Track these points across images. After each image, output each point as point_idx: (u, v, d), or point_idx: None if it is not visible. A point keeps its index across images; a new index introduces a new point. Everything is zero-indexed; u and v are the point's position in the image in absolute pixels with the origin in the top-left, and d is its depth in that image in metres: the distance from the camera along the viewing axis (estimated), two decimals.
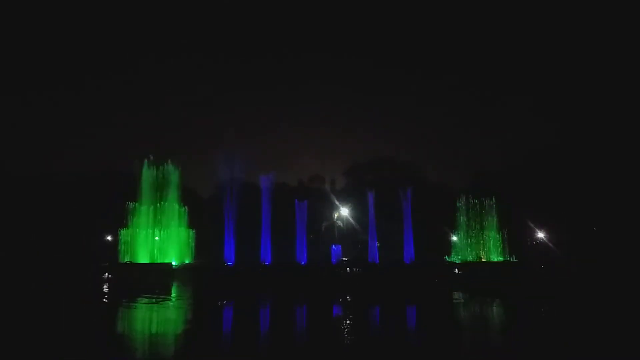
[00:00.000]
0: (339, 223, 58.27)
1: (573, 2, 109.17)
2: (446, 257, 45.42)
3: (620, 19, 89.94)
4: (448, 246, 47.83)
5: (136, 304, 22.25)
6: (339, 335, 14.04)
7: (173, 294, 27.95)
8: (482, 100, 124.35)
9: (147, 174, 38.83)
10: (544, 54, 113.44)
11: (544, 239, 55.68)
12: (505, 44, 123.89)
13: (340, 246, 47.07)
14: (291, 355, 11.48)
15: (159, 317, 18.71)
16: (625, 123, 62.80)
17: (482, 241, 42.90)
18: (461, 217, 44.24)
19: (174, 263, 36.19)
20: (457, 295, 27.67)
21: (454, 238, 47.09)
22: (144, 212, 37.63)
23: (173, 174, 39.77)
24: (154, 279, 32.74)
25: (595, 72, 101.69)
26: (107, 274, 35.93)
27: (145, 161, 39.04)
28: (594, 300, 22.92)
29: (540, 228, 55.77)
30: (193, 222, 41.24)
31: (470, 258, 42.42)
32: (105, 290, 29.73)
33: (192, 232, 40.16)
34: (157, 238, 37.26)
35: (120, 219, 37.97)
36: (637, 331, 14.33)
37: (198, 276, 35.56)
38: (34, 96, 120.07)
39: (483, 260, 42.05)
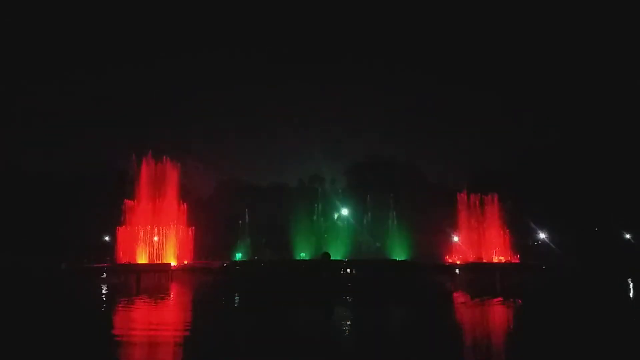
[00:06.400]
0: (339, 223, 58.04)
1: (575, 3, 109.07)
2: (447, 256, 45.15)
3: (620, 20, 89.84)
4: (449, 246, 47.56)
5: (135, 305, 22.03)
6: (340, 339, 13.81)
7: (172, 295, 27.75)
8: (484, 100, 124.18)
9: (146, 172, 38.41)
10: (545, 54, 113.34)
11: (546, 240, 55.49)
12: (507, 44, 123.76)
13: None
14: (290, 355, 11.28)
15: (157, 319, 18.48)
16: (625, 123, 62.72)
17: (483, 241, 42.60)
18: (462, 217, 43.91)
19: (173, 263, 35.87)
20: (458, 296, 27.48)
21: (455, 238, 46.83)
22: (142, 211, 37.24)
23: (171, 170, 39.37)
24: (153, 280, 32.49)
25: (595, 73, 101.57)
26: (105, 275, 35.66)
27: (144, 158, 38.61)
28: (595, 301, 22.71)
29: (542, 228, 55.58)
30: (192, 223, 40.91)
31: (471, 258, 42.12)
32: (104, 291, 29.50)
33: (191, 232, 39.78)
34: (155, 238, 36.90)
35: (118, 219, 37.61)
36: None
37: (197, 276, 35.32)
38: (33, 96, 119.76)
39: (484, 260, 41.75)
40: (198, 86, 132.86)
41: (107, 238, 52.51)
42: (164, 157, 39.74)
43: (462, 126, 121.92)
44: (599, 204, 53.29)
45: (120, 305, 22.19)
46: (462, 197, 44.03)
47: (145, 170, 38.40)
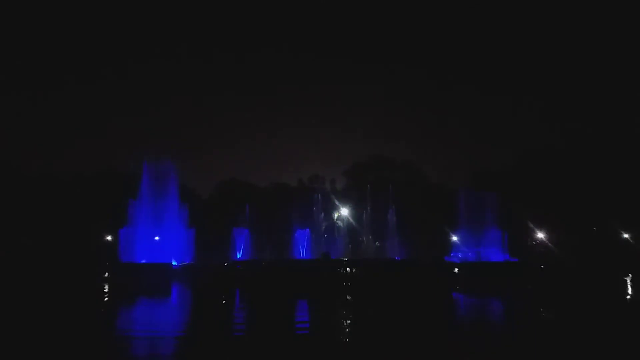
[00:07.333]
0: (339, 223, 58.20)
1: (575, 4, 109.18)
2: (446, 256, 45.28)
3: (621, 21, 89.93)
4: (448, 245, 47.72)
5: (136, 304, 22.19)
6: (340, 338, 13.95)
7: (173, 294, 27.93)
8: (483, 100, 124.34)
9: (147, 173, 38.59)
10: (546, 54, 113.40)
11: (544, 239, 55.64)
12: (507, 45, 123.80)
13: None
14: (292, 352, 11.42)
15: (159, 317, 18.63)
16: (625, 123, 62.84)
17: (482, 241, 42.75)
18: (461, 217, 44.05)
19: (174, 263, 36.08)
20: (457, 295, 27.64)
21: (454, 238, 46.98)
22: (143, 212, 37.42)
23: (172, 171, 39.53)
24: (154, 279, 32.64)
25: (596, 74, 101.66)
26: (107, 274, 35.79)
27: (145, 159, 38.79)
28: (593, 300, 22.88)
29: (541, 228, 55.73)
30: (193, 222, 41.10)
31: (470, 258, 42.31)
32: (106, 290, 29.64)
33: (192, 232, 39.97)
34: (157, 238, 37.07)
35: (119, 219, 37.77)
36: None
37: (197, 276, 35.45)
38: (33, 96, 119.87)
39: (483, 260, 41.93)
40: (198, 87, 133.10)
41: (109, 238, 52.68)
42: (165, 157, 39.98)
43: (462, 126, 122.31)
44: (598, 203, 53.40)
45: (121, 304, 22.35)
46: (461, 196, 44.19)
47: (147, 171, 38.61)
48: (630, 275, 37.92)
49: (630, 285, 31.43)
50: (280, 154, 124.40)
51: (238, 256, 44.89)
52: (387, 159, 72.85)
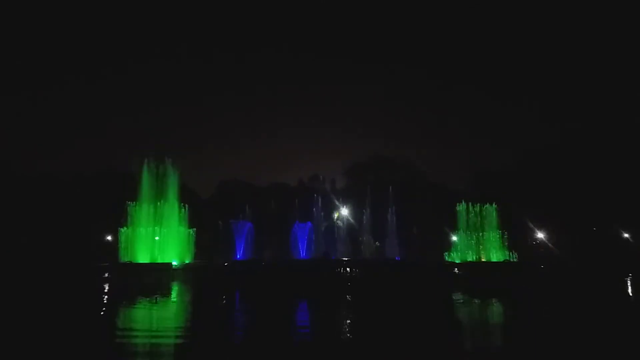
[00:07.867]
0: (339, 223, 58.21)
1: (575, 5, 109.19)
2: (446, 256, 45.34)
3: (622, 21, 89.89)
4: (448, 245, 47.76)
5: (136, 305, 22.18)
6: (340, 338, 13.97)
7: (173, 295, 27.92)
8: (483, 100, 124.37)
9: (147, 173, 38.71)
10: (545, 54, 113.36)
11: (544, 239, 55.70)
12: (507, 45, 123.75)
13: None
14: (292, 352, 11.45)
15: (159, 318, 18.65)
16: (624, 122, 62.83)
17: (482, 241, 42.81)
18: (461, 217, 44.10)
19: (174, 263, 36.13)
20: (457, 296, 27.64)
21: (454, 238, 47.01)
22: (143, 212, 37.51)
23: (172, 172, 39.64)
24: (154, 279, 32.68)
25: (595, 74, 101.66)
26: (107, 274, 35.83)
27: (145, 160, 38.90)
28: (593, 299, 22.90)
29: (540, 228, 55.78)
30: (193, 222, 41.16)
31: (470, 258, 42.35)
32: (106, 290, 29.67)
33: (192, 232, 40.05)
34: (157, 238, 37.14)
35: (120, 219, 37.83)
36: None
37: (197, 276, 35.50)
38: (33, 96, 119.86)
39: (483, 260, 42.00)
40: (198, 87, 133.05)
41: (109, 238, 52.72)
42: (165, 157, 40.06)
43: (462, 126, 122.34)
44: (598, 203, 53.46)
45: (121, 304, 22.36)
46: (461, 197, 44.25)
47: (147, 171, 38.72)
48: (631, 275, 37.97)
49: (630, 286, 31.46)
50: (280, 154, 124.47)
51: (238, 256, 44.95)
52: (387, 159, 72.92)
